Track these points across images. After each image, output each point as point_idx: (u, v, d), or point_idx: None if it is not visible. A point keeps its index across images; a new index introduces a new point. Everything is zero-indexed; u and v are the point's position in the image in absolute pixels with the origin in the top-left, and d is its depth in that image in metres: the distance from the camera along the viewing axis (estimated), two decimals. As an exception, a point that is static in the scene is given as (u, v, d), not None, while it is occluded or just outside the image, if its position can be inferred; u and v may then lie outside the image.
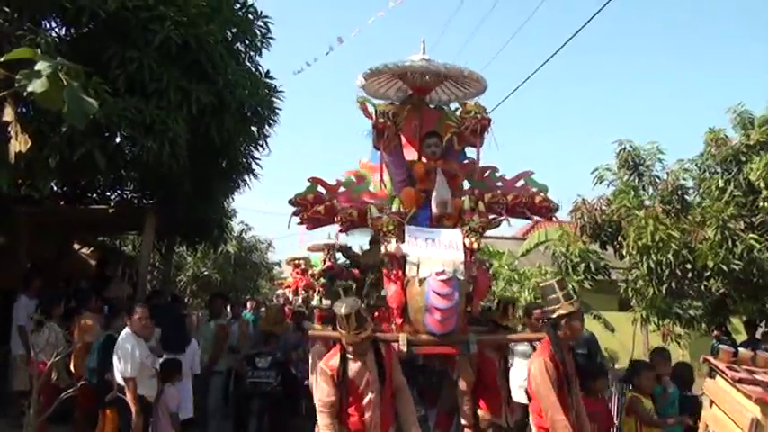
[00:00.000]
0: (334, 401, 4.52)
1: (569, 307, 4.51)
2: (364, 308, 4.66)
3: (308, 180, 5.73)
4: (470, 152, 5.82)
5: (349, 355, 4.55)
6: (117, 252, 15.02)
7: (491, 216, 5.49)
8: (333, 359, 4.61)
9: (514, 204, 5.64)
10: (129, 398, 5.91)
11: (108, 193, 11.07)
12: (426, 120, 5.89)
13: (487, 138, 5.47)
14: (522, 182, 5.90)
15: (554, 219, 6.14)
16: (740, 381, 4.37)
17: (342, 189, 5.81)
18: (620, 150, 10.65)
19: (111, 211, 10.05)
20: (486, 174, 5.95)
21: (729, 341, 9.85)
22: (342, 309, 4.42)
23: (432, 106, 6.13)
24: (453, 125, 5.47)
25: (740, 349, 4.95)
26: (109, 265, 11.84)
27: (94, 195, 11.06)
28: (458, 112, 5.60)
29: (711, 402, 4.81)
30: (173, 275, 19.28)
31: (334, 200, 5.57)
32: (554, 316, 4.56)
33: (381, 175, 5.60)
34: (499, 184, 5.92)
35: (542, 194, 5.72)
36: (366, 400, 4.54)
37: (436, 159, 5.48)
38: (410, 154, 5.79)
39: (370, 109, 5.31)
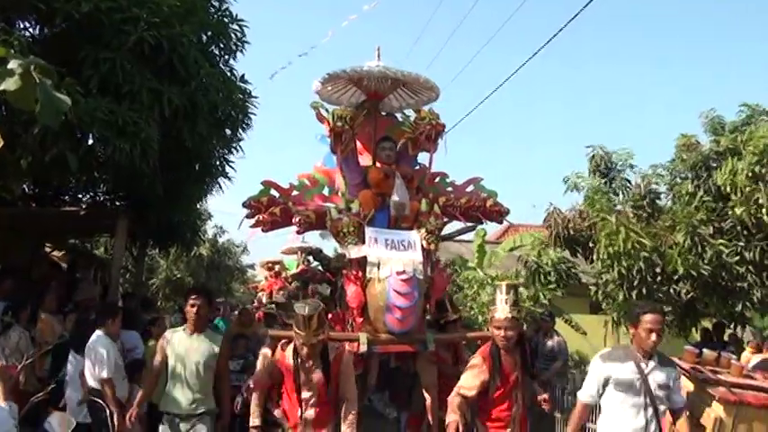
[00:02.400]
0: (265, 389, 4.82)
1: (500, 313, 4.65)
2: (324, 310, 4.71)
3: (261, 183, 5.77)
4: (421, 158, 6.00)
5: (300, 355, 4.62)
6: (89, 255, 14.86)
7: (446, 219, 5.63)
8: (288, 350, 4.72)
9: (468, 208, 5.84)
10: (109, 399, 5.87)
11: (80, 196, 10.96)
12: (380, 126, 6.04)
13: (440, 144, 5.69)
14: (471, 187, 6.09)
15: (506, 222, 6.28)
16: (704, 381, 4.47)
17: (295, 192, 5.86)
18: (592, 155, 10.77)
19: (83, 213, 9.93)
20: (437, 179, 6.11)
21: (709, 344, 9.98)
22: (305, 310, 4.44)
23: (383, 113, 6.22)
24: (408, 131, 5.58)
25: (704, 350, 5.05)
26: (79, 267, 11.70)
27: (67, 198, 10.94)
28: (411, 118, 5.73)
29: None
30: (145, 278, 19.15)
31: (289, 202, 5.62)
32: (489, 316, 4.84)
33: (337, 179, 5.68)
34: (449, 189, 6.09)
35: (493, 199, 5.89)
36: (304, 396, 4.63)
37: (390, 163, 5.60)
38: (364, 159, 5.90)
39: (324, 113, 5.42)
